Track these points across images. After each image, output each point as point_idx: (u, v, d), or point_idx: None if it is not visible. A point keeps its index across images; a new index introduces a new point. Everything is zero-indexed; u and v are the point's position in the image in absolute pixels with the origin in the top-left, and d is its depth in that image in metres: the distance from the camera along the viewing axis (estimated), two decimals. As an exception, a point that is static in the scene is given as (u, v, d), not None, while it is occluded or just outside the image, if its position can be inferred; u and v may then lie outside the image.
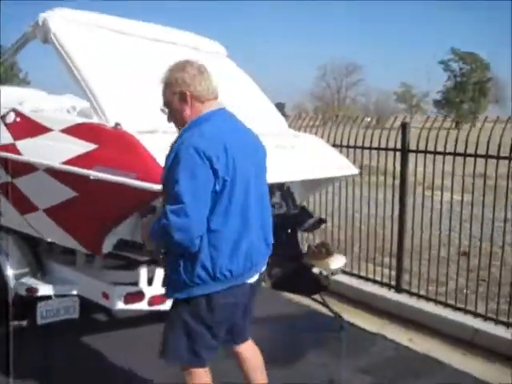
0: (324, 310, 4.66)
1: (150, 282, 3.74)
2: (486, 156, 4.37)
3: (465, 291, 4.65)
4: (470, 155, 4.46)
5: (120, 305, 3.59)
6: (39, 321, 3.74)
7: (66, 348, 3.92)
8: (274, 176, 3.72)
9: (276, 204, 4.19)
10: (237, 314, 2.61)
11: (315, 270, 4.17)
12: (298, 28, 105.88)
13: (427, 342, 4.26)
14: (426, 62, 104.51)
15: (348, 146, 5.46)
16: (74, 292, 3.86)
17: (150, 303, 3.71)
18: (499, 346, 4.08)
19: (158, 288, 3.71)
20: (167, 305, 3.81)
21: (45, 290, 3.85)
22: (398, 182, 5.11)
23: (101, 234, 3.33)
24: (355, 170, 4.47)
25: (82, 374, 3.59)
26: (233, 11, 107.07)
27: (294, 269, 3.88)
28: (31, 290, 3.84)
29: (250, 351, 2.84)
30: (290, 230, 3.98)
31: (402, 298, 4.93)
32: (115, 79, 3.56)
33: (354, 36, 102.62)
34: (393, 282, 5.13)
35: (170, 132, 2.70)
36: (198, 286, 2.36)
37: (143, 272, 3.70)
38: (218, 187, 2.24)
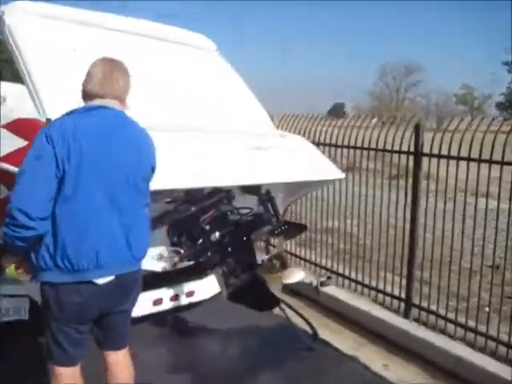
0: (302, 324, 4.37)
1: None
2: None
3: (484, 309, 4.13)
4: (483, 160, 3.97)
5: None
6: (-16, 321, 3.62)
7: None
8: (241, 178, 3.51)
9: (238, 208, 3.93)
10: (86, 315, 2.46)
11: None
12: (358, 28, 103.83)
13: (404, 369, 3.88)
14: (491, 63, 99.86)
15: (355, 148, 5.13)
16: (23, 292, 3.72)
17: None
18: (481, 378, 3.66)
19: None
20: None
21: None
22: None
23: None
24: (340, 175, 4.17)
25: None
26: (298, 11, 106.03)
27: (248, 281, 3.59)
28: None
29: (118, 363, 2.65)
30: (244, 238, 3.68)
31: (387, 316, 4.52)
32: (62, 74, 3.38)
33: (416, 35, 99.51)
34: (403, 295, 4.68)
35: None
36: (44, 272, 2.33)
37: None
38: (58, 173, 2.24)
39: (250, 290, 3.57)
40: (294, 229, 4.58)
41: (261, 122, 4.54)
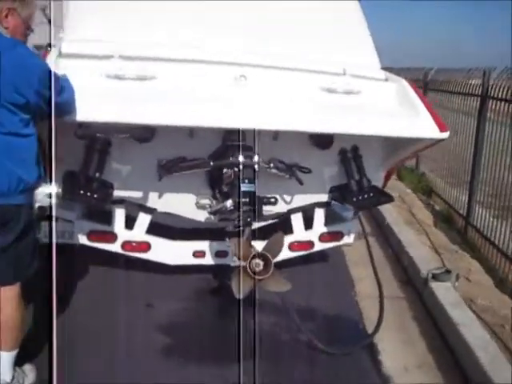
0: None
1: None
2: None
3: None
4: None
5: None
6: None
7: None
8: (294, 122, 3.00)
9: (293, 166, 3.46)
10: None
11: None
12: None
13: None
14: None
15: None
16: None
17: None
18: None
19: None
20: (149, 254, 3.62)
21: None
22: None
23: None
24: (439, 134, 3.23)
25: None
26: None
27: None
28: None
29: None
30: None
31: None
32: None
33: None
34: None
35: None
36: None
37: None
38: None
39: None
40: (378, 199, 3.72)
41: (364, 62, 3.71)
